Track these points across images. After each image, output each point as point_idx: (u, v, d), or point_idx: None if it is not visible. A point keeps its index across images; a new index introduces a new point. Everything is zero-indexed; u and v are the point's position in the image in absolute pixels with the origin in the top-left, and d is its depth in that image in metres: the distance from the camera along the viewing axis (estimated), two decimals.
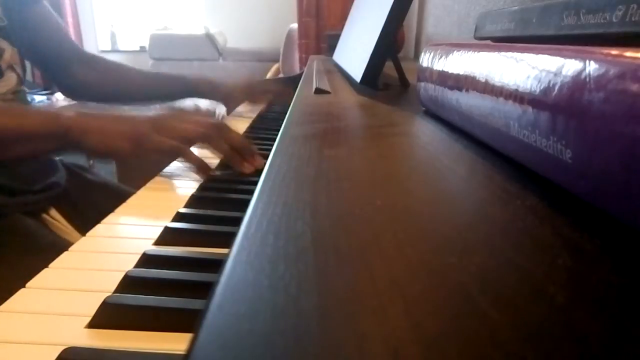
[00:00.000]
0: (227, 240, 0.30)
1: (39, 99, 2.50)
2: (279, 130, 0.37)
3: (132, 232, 0.38)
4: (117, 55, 3.53)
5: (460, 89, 0.30)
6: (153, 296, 0.26)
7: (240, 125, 0.82)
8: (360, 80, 0.60)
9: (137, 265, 0.31)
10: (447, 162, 0.27)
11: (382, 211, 0.19)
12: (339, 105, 0.49)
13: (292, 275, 0.14)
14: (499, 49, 0.25)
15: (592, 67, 0.16)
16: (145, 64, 3.06)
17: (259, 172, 0.45)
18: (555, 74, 0.19)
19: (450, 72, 0.32)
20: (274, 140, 0.34)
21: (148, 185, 0.50)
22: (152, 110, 0.52)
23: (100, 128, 0.48)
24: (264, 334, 0.12)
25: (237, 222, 0.19)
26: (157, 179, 0.52)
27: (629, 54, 0.15)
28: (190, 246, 0.34)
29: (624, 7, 0.19)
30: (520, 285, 0.13)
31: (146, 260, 0.31)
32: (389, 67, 0.64)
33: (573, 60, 0.18)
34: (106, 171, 1.44)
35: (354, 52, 0.74)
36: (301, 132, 0.35)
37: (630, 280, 0.13)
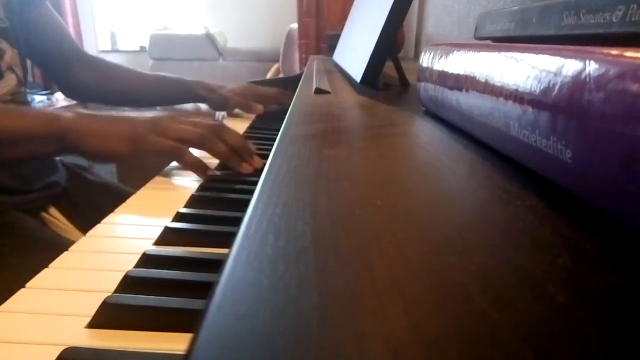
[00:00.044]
0: (227, 240, 0.30)
1: (39, 98, 2.50)
2: (279, 130, 0.37)
3: (132, 232, 0.38)
4: (117, 55, 3.53)
5: (460, 89, 0.30)
6: (153, 296, 0.26)
7: (240, 125, 0.82)
8: (360, 80, 0.60)
9: (137, 265, 0.31)
10: (447, 162, 0.27)
11: (382, 211, 0.19)
12: (339, 105, 0.49)
13: (292, 275, 0.14)
14: (499, 49, 0.25)
15: (592, 67, 0.16)
16: (145, 64, 3.06)
17: (258, 172, 0.45)
18: (555, 74, 0.19)
19: (450, 72, 0.32)
20: (274, 140, 0.34)
21: (148, 185, 0.50)
22: (151, 111, 0.52)
23: (99, 130, 0.48)
24: (264, 334, 0.12)
25: (237, 222, 0.19)
26: (157, 179, 0.52)
27: (629, 54, 0.15)
28: (190, 246, 0.34)
29: (624, 7, 0.19)
30: (520, 285, 0.13)
31: (146, 260, 0.31)
32: (389, 67, 0.64)
33: (573, 60, 0.18)
34: (106, 171, 1.44)
35: (354, 52, 0.74)
36: (301, 132, 0.35)
37: (630, 280, 0.13)
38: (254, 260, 0.15)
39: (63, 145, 0.48)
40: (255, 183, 0.24)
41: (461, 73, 0.30)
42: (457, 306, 0.13)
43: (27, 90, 0.71)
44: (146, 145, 0.48)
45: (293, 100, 0.56)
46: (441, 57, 0.35)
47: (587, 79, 0.17)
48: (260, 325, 0.12)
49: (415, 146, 0.32)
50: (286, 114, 0.45)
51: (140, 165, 0.49)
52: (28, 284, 0.29)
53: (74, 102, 2.32)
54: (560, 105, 0.18)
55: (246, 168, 0.51)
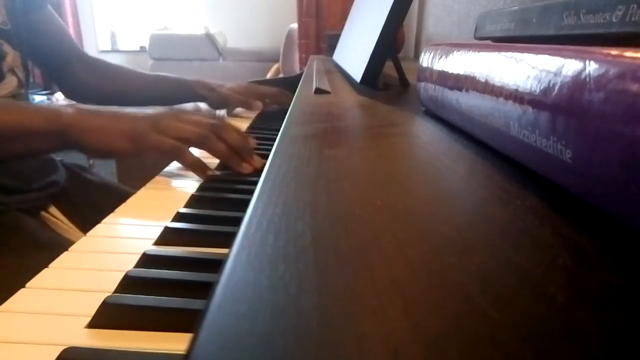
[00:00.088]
0: (227, 240, 0.30)
1: (39, 98, 2.50)
2: (279, 130, 0.37)
3: (132, 232, 0.38)
4: (117, 55, 3.53)
5: (460, 89, 0.30)
6: (153, 296, 0.26)
7: (240, 125, 0.82)
8: (360, 80, 0.60)
9: (137, 265, 0.31)
10: (447, 162, 0.27)
11: (382, 211, 0.19)
12: (339, 105, 0.49)
13: (292, 275, 0.14)
14: (499, 49, 0.25)
15: (592, 67, 0.16)
16: (145, 64, 3.06)
17: (259, 172, 0.45)
18: (555, 74, 0.19)
19: (450, 72, 0.32)
20: (274, 140, 0.34)
21: (148, 185, 0.50)
22: (152, 110, 0.52)
23: (100, 127, 0.48)
24: (264, 334, 0.12)
25: (237, 222, 0.19)
26: (157, 179, 0.52)
27: (629, 54, 0.15)
28: (190, 246, 0.34)
29: (624, 7, 0.19)
30: (520, 285, 0.13)
31: (146, 260, 0.31)
32: (389, 67, 0.64)
33: (573, 60, 0.18)
34: (106, 171, 1.44)
35: (354, 52, 0.74)
36: (301, 132, 0.35)
37: (630, 280, 0.13)
38: (254, 260, 0.15)
39: (63, 141, 0.48)
40: (255, 183, 0.24)
41: (461, 73, 0.30)
42: (457, 306, 0.13)
43: (29, 93, 0.71)
44: (146, 143, 0.47)
45: (293, 100, 0.56)
46: (441, 57, 0.35)
47: (587, 79, 0.17)
48: (260, 325, 0.12)
49: (415, 146, 0.32)
50: (286, 114, 0.45)
51: (140, 165, 0.49)
52: (28, 284, 0.29)
53: (73, 102, 2.32)
54: (560, 105, 0.18)
55: (246, 168, 0.51)
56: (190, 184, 0.49)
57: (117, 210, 0.43)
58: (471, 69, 0.28)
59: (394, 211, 0.19)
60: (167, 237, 0.35)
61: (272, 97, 0.92)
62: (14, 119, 0.47)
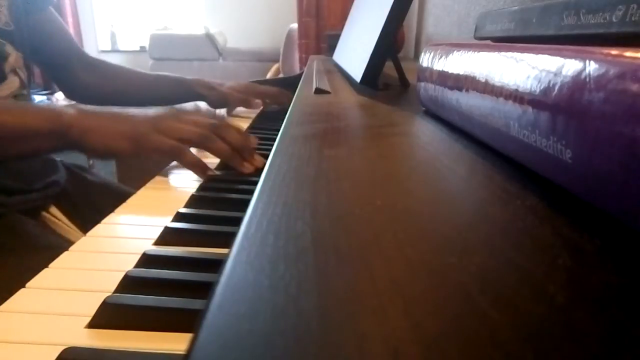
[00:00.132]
0: (227, 240, 0.30)
1: (39, 98, 2.50)
2: (279, 130, 0.37)
3: (132, 232, 0.38)
4: (117, 55, 3.53)
5: (460, 89, 0.30)
6: (153, 296, 0.26)
7: (240, 125, 0.82)
8: (360, 80, 0.60)
9: (137, 265, 0.31)
10: (447, 162, 0.27)
11: (382, 211, 0.19)
12: (339, 105, 0.49)
13: (292, 275, 0.14)
14: (499, 49, 0.25)
15: (592, 67, 0.16)
16: (145, 64, 3.07)
17: (259, 172, 0.45)
18: (555, 74, 0.19)
19: (450, 72, 0.32)
20: (274, 140, 0.34)
21: (148, 185, 0.50)
22: (152, 110, 0.52)
23: (100, 127, 0.48)
24: (264, 334, 0.12)
25: (237, 222, 0.19)
26: (157, 179, 0.52)
27: (629, 54, 0.15)
28: (190, 246, 0.34)
29: (624, 7, 0.19)
30: (520, 285, 0.13)
31: (146, 260, 0.31)
32: (389, 67, 0.64)
33: (573, 60, 0.18)
34: (106, 171, 1.44)
35: (354, 52, 0.74)
36: (301, 132, 0.35)
37: (630, 280, 0.13)
38: (254, 260, 0.15)
39: (65, 142, 0.48)
40: (255, 183, 0.24)
41: (461, 73, 0.30)
42: (457, 306, 0.13)
43: (30, 93, 0.71)
44: (147, 144, 0.48)
45: (293, 100, 0.56)
46: (441, 57, 0.35)
47: (587, 79, 0.17)
48: (260, 325, 0.12)
49: (415, 146, 0.32)
50: (286, 114, 0.45)
51: (140, 165, 0.49)
52: (28, 284, 0.29)
53: (73, 102, 2.32)
54: (560, 105, 0.18)
55: (247, 167, 0.51)
56: (190, 184, 0.49)
57: (117, 210, 0.43)
58: (471, 69, 0.28)
59: (394, 211, 0.19)
60: (167, 237, 0.35)
61: (272, 97, 0.91)
62: (16, 120, 0.47)
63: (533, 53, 0.21)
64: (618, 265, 0.14)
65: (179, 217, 0.39)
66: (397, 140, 0.33)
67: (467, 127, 0.30)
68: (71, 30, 3.32)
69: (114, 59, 0.90)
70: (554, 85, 0.19)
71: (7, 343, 0.24)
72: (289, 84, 0.99)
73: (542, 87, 0.20)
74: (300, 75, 0.97)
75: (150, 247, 0.34)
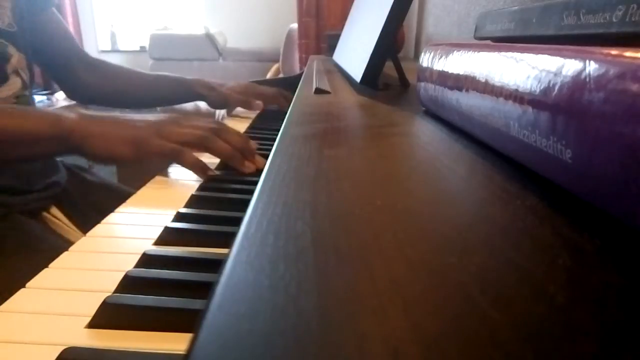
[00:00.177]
0: (227, 240, 0.30)
1: (39, 98, 2.50)
2: (279, 130, 0.37)
3: (132, 232, 0.38)
4: (117, 55, 3.53)
5: (460, 89, 0.30)
6: (153, 296, 0.26)
7: (240, 125, 0.82)
8: (360, 80, 0.60)
9: (137, 265, 0.31)
10: (447, 162, 0.27)
11: (382, 211, 0.19)
12: (339, 105, 0.49)
13: (292, 275, 0.14)
14: (499, 49, 0.25)
15: (592, 67, 0.16)
16: (145, 64, 3.07)
17: (259, 172, 0.45)
18: (555, 74, 0.19)
19: (450, 72, 0.32)
20: (274, 140, 0.34)
21: (148, 185, 0.50)
22: (153, 114, 0.52)
23: (102, 133, 0.48)
24: (264, 334, 0.12)
25: (237, 222, 0.19)
26: (157, 179, 0.52)
27: (629, 54, 0.15)
28: (190, 246, 0.34)
29: (624, 7, 0.19)
30: (520, 285, 0.13)
31: (146, 260, 0.31)
32: (389, 67, 0.64)
33: (573, 60, 0.18)
34: (106, 171, 1.43)
35: (354, 52, 0.74)
36: (301, 132, 0.35)
37: (630, 280, 0.13)
38: (254, 260, 0.15)
39: (66, 147, 0.48)
40: (255, 183, 0.24)
41: (461, 73, 0.30)
42: (457, 306, 0.13)
43: (32, 92, 0.71)
44: (148, 149, 0.48)
45: (293, 100, 0.56)
46: (441, 57, 0.35)
47: (587, 79, 0.17)
48: (260, 325, 0.12)
49: (415, 146, 0.32)
50: (286, 114, 0.45)
51: (140, 165, 0.49)
52: (28, 284, 0.29)
53: (73, 102, 2.32)
54: (560, 105, 0.18)
55: (249, 167, 0.51)
56: (190, 184, 0.49)
57: (117, 210, 0.43)
58: (471, 69, 0.28)
59: (394, 211, 0.19)
60: (167, 237, 0.35)
61: (271, 98, 0.91)
62: (17, 124, 0.47)
63: (533, 53, 0.21)
64: (618, 265, 0.14)
65: (179, 217, 0.39)
66: (397, 140, 0.33)
67: (467, 127, 0.30)
68: (71, 30, 3.32)
69: (114, 59, 0.90)
70: (554, 85, 0.19)
71: (7, 343, 0.24)
72: (289, 84, 0.99)
73: (542, 87, 0.20)
74: (300, 75, 0.97)
75: (150, 247, 0.34)
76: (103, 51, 3.59)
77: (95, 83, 0.84)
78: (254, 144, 0.54)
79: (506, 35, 0.31)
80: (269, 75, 2.62)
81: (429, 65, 0.37)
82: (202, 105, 0.95)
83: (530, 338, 0.11)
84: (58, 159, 0.74)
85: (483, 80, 0.26)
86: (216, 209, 0.40)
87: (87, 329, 0.25)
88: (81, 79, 0.83)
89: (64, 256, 0.33)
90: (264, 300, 0.13)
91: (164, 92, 0.88)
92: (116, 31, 3.65)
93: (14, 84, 0.64)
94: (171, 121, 0.50)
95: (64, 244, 0.36)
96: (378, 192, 0.22)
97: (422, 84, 0.39)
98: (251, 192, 0.23)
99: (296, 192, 0.22)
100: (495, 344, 0.11)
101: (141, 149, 0.48)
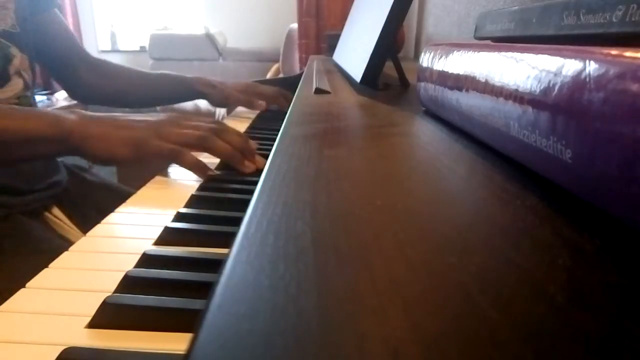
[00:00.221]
0: (227, 240, 0.30)
1: (39, 98, 2.50)
2: (279, 130, 0.37)
3: (132, 232, 0.38)
4: (117, 55, 3.53)
5: (460, 89, 0.30)
6: (153, 296, 0.26)
7: (240, 125, 0.82)
8: (360, 80, 0.60)
9: (137, 265, 0.31)
10: (447, 162, 0.27)
11: (382, 211, 0.19)
12: (339, 105, 0.49)
13: (292, 275, 0.14)
14: (499, 49, 0.25)
15: (592, 67, 0.16)
16: (145, 64, 3.06)
17: (259, 172, 0.45)
18: (555, 74, 0.19)
19: (450, 72, 0.32)
20: (274, 140, 0.34)
21: (148, 185, 0.50)
22: (152, 114, 0.52)
23: (101, 134, 0.48)
24: (264, 334, 0.12)
25: (237, 222, 0.19)
26: (157, 179, 0.52)
27: (629, 54, 0.15)
28: (190, 246, 0.34)
29: (624, 7, 0.19)
30: (520, 285, 0.13)
31: (146, 260, 0.31)
32: (389, 67, 0.64)
33: (573, 60, 0.18)
34: (106, 171, 1.44)
35: (354, 52, 0.74)
36: (301, 132, 0.35)
37: (630, 281, 0.13)
38: (254, 260, 0.15)
39: (65, 147, 0.48)
40: (255, 183, 0.24)
41: (461, 73, 0.30)
42: (457, 306, 0.13)
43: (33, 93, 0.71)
44: (147, 149, 0.48)
45: (293, 100, 0.56)
46: (441, 57, 0.35)
47: (587, 79, 0.17)
48: (260, 325, 0.12)
49: (415, 146, 0.32)
50: (286, 114, 0.45)
51: (140, 165, 0.49)
52: (28, 284, 0.29)
53: (74, 102, 2.33)
54: (560, 105, 0.18)
55: (249, 167, 0.51)
56: (190, 184, 0.49)
57: (117, 210, 0.43)
58: (471, 69, 0.28)
59: (394, 211, 0.19)
60: (167, 237, 0.35)
61: (271, 98, 0.91)
62: (18, 125, 0.47)
63: (533, 53, 0.21)
64: (618, 265, 0.14)
65: (179, 217, 0.39)
66: (397, 140, 0.33)
67: (467, 127, 0.30)
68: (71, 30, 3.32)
69: (114, 59, 0.90)
70: (554, 85, 0.19)
71: (7, 343, 0.24)
72: (289, 84, 0.99)
73: (542, 87, 0.20)
74: (300, 75, 0.97)
75: (150, 247, 0.34)
76: (103, 51, 3.59)
77: (96, 83, 0.84)
78: (253, 143, 0.54)
79: (506, 35, 0.31)
80: (269, 75, 2.62)
81: (429, 65, 0.37)
82: (202, 104, 0.96)
83: (530, 338, 0.11)
84: (58, 159, 0.74)
85: (483, 80, 0.26)
86: (216, 209, 0.40)
87: (87, 329, 0.25)
88: (82, 78, 0.83)
89: (64, 256, 0.33)
90: (264, 300, 0.13)
91: (165, 91, 0.88)
92: (116, 31, 3.65)
93: (16, 85, 0.64)
94: (170, 121, 0.50)
95: (65, 244, 0.36)
96: (378, 192, 0.22)
97: (422, 84, 0.39)
98: (251, 192, 0.23)
99: (296, 192, 0.22)
100: (495, 344, 0.11)
101: (140, 149, 0.48)
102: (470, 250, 0.16)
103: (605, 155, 0.15)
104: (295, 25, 2.24)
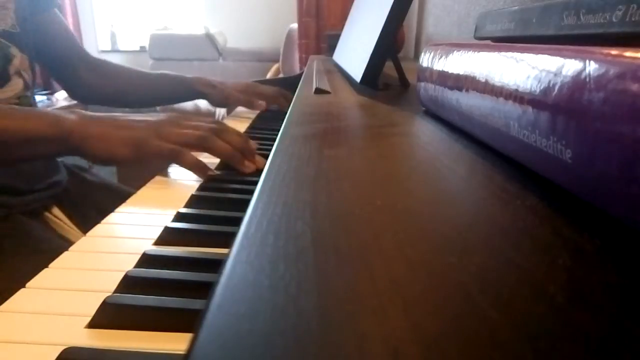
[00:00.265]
0: (227, 240, 0.30)
1: (39, 98, 2.50)
2: (279, 130, 0.37)
3: (132, 232, 0.38)
4: (117, 55, 3.53)
5: (460, 89, 0.30)
6: (153, 296, 0.26)
7: (240, 125, 0.82)
8: (360, 80, 0.60)
9: (137, 265, 0.31)
10: (447, 162, 0.27)
11: (382, 211, 0.19)
12: (339, 105, 0.49)
13: (292, 275, 0.14)
14: (499, 49, 0.25)
15: (592, 67, 0.16)
16: (145, 64, 3.06)
17: (259, 172, 0.45)
18: (555, 74, 0.19)
19: (450, 72, 0.32)
20: (274, 140, 0.34)
21: (148, 185, 0.50)
22: (152, 114, 0.52)
23: (101, 134, 0.48)
24: (264, 334, 0.12)
25: (237, 222, 0.19)
26: (157, 179, 0.52)
27: (629, 54, 0.15)
28: (190, 246, 0.34)
29: (624, 7, 0.19)
30: (520, 285, 0.13)
31: (146, 260, 0.31)
32: (389, 67, 0.64)
33: (573, 60, 0.18)
34: (106, 171, 1.44)
35: (354, 52, 0.74)
36: (301, 132, 0.35)
37: (630, 281, 0.13)
38: (254, 260, 0.15)
39: (65, 147, 0.48)
40: (255, 183, 0.24)
41: (461, 73, 0.30)
42: (457, 306, 0.13)
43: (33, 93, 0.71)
44: (147, 149, 0.48)
45: (293, 100, 0.56)
46: (441, 57, 0.35)
47: (587, 79, 0.17)
48: (260, 325, 0.12)
49: (415, 146, 0.32)
50: (286, 114, 0.45)
51: (140, 165, 0.49)
52: (28, 284, 0.29)
53: (74, 102, 2.33)
54: (560, 105, 0.18)
55: (248, 167, 0.51)
56: (190, 184, 0.49)
57: (117, 210, 0.43)
58: (471, 69, 0.28)
59: (394, 211, 0.19)
60: (167, 237, 0.35)
61: (272, 98, 0.91)
62: (18, 125, 0.47)
63: (533, 53, 0.21)
64: (618, 265, 0.14)
65: (179, 217, 0.39)
66: (397, 140, 0.33)
67: (467, 127, 0.30)
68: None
69: (114, 59, 0.90)
70: (554, 85, 0.19)
71: (7, 343, 0.24)
72: (289, 84, 0.99)
73: (542, 87, 0.20)
74: (300, 75, 0.97)
75: (150, 247, 0.34)
76: (103, 51, 3.59)
77: (96, 83, 0.84)
78: (253, 143, 0.54)
79: (506, 35, 0.31)
80: (269, 75, 2.62)
81: (429, 65, 0.37)
82: (202, 104, 0.96)
83: (530, 338, 0.11)
84: (58, 159, 0.74)
85: (483, 80, 0.26)
86: (216, 209, 0.40)
87: (87, 329, 0.25)
88: (83, 78, 0.83)
89: (64, 256, 0.33)
90: (264, 300, 0.13)
91: (165, 91, 0.88)
92: (116, 31, 3.65)
93: (16, 85, 0.64)
94: (170, 121, 0.50)
95: (65, 244, 0.36)
96: (378, 192, 0.22)
97: (422, 84, 0.39)
98: (251, 192, 0.23)
99: (296, 192, 0.22)
100: (495, 344, 0.11)
101: (140, 149, 0.48)
102: (470, 250, 0.16)
103: (605, 155, 0.15)
104: (295, 25, 2.24)
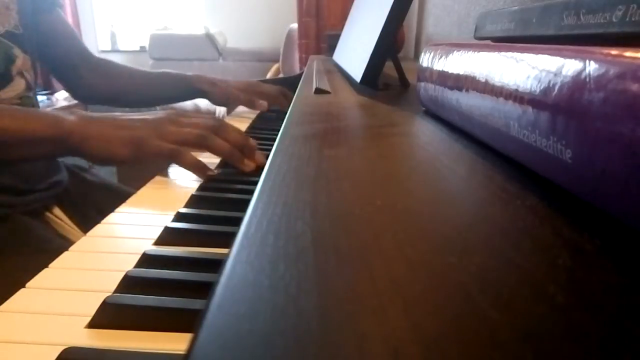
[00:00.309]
0: (227, 240, 0.30)
1: (39, 98, 2.50)
2: (279, 130, 0.37)
3: (132, 232, 0.38)
4: (117, 55, 3.53)
5: (460, 89, 0.30)
6: (153, 296, 0.26)
7: (240, 125, 0.82)
8: (360, 80, 0.60)
9: (137, 265, 0.31)
10: (447, 162, 0.27)
11: (382, 211, 0.19)
12: (339, 105, 0.49)
13: (292, 275, 0.14)
14: (499, 49, 0.25)
15: (592, 67, 0.16)
16: (145, 64, 3.06)
17: (259, 171, 0.45)
18: (555, 74, 0.19)
19: (450, 72, 0.32)
20: (274, 140, 0.34)
21: (148, 185, 0.50)
22: (152, 113, 0.52)
23: (101, 134, 0.48)
24: (264, 334, 0.12)
25: (237, 222, 0.19)
26: (157, 179, 0.52)
27: (629, 54, 0.15)
28: (190, 246, 0.34)
29: (624, 7, 0.19)
30: (520, 285, 0.13)
31: (146, 260, 0.31)
32: (389, 67, 0.64)
33: (573, 60, 0.18)
34: (106, 171, 1.44)
35: (354, 52, 0.74)
36: (301, 132, 0.35)
37: (630, 281, 0.13)
38: (254, 260, 0.15)
39: (65, 148, 0.48)
40: (255, 183, 0.24)
41: (461, 73, 0.30)
42: (457, 306, 0.13)
43: (36, 94, 0.71)
44: (147, 149, 0.48)
45: (293, 100, 0.56)
46: (441, 57, 0.35)
47: (587, 79, 0.17)
48: (260, 325, 0.12)
49: (415, 146, 0.32)
50: (286, 114, 0.45)
51: (140, 165, 0.49)
52: (28, 284, 0.29)
53: (74, 101, 2.33)
54: (560, 105, 0.18)
55: (248, 165, 0.51)
56: (190, 184, 0.49)
57: (117, 210, 0.43)
58: (471, 69, 0.28)
59: (394, 211, 0.19)
60: (167, 237, 0.35)
61: (272, 98, 0.91)
62: (18, 125, 0.47)
63: (533, 53, 0.21)
64: (618, 265, 0.14)
65: (179, 217, 0.39)
66: (397, 140, 0.33)
67: (467, 127, 0.30)
68: None
69: (114, 59, 0.90)
70: (554, 85, 0.19)
71: (7, 343, 0.24)
72: (289, 84, 0.99)
73: (542, 87, 0.20)
74: (300, 75, 0.97)
75: (150, 247, 0.34)
76: (103, 51, 3.59)
77: (98, 82, 0.84)
78: (253, 141, 0.54)
79: (506, 35, 0.31)
80: (269, 75, 2.62)
81: (429, 65, 0.37)
82: (202, 104, 0.95)
83: (530, 338, 0.11)
84: (58, 159, 0.74)
85: (483, 80, 0.26)
86: (216, 209, 0.40)
87: (87, 329, 0.25)
88: (84, 78, 0.83)
89: (64, 256, 0.33)
90: (264, 300, 0.13)
91: (166, 90, 0.88)
92: (116, 31, 3.65)
93: (18, 85, 0.64)
94: (170, 120, 0.50)
95: (65, 244, 0.36)
96: (378, 192, 0.22)
97: (422, 84, 0.39)
98: (251, 192, 0.23)
99: (296, 192, 0.22)
100: (495, 344, 0.11)
101: (140, 149, 0.48)
102: (470, 250, 0.16)
103: (605, 155, 0.15)
104: (295, 25, 2.24)
